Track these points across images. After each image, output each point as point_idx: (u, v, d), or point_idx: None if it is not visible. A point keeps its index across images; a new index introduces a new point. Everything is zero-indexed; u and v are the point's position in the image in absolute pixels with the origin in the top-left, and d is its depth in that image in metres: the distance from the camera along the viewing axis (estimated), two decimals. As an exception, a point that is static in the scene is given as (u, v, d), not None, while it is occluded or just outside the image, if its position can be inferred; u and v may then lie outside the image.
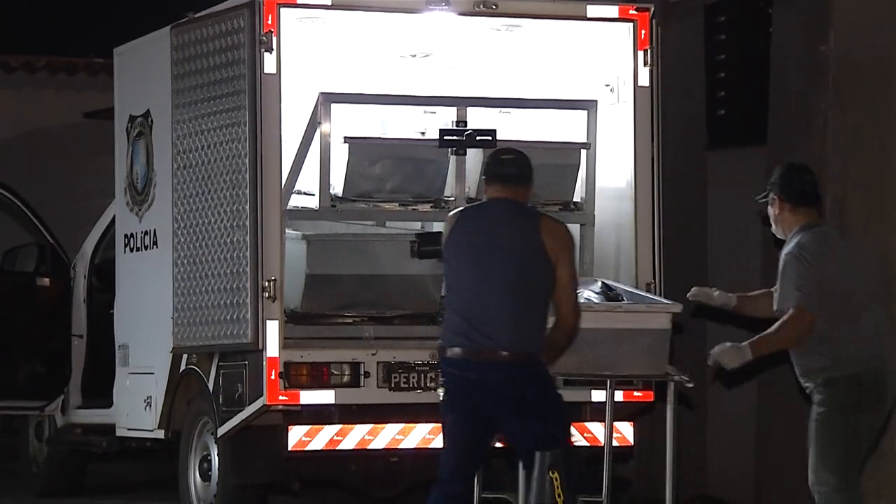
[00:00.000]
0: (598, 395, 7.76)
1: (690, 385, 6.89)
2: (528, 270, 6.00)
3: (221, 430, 7.76)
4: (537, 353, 6.03)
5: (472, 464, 6.12)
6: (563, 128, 8.22)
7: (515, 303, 5.95)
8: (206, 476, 8.27)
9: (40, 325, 9.46)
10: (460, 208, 6.80)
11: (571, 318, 6.01)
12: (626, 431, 8.04)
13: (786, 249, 6.42)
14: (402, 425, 7.55)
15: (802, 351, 6.45)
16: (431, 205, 8.03)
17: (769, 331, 6.57)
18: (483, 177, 6.37)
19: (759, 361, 7.48)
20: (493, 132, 7.75)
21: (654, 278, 8.10)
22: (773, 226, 6.67)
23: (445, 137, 7.80)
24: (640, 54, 7.91)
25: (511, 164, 6.25)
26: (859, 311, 6.48)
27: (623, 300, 7.14)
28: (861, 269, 6.92)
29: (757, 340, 6.54)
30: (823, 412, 6.46)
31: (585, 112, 7.99)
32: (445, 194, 7.99)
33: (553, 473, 5.89)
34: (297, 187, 8.18)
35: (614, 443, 7.89)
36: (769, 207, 6.65)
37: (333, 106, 7.64)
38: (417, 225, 8.29)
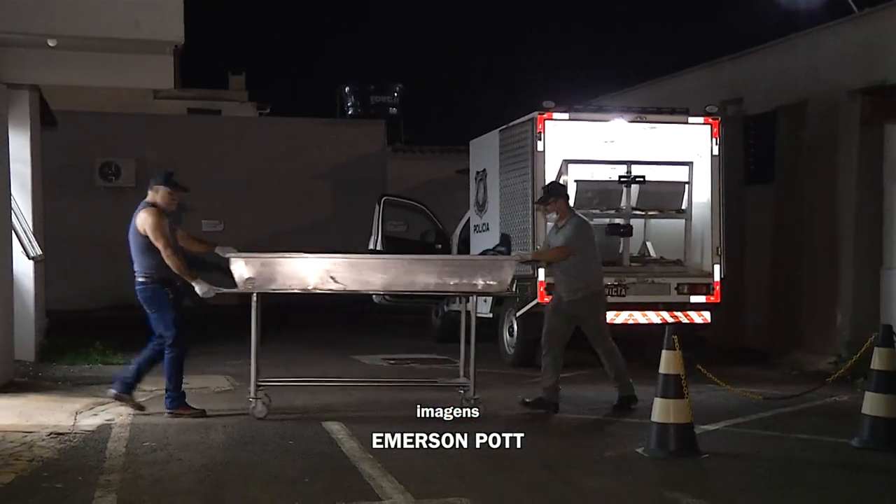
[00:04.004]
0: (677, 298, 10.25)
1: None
2: (134, 236, 7.56)
3: (518, 314, 10.84)
4: (145, 276, 7.49)
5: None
6: (677, 173, 11.08)
7: (133, 252, 7.55)
8: (511, 334, 11.23)
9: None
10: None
11: (169, 254, 7.39)
12: (706, 315, 10.63)
13: (571, 222, 8.05)
14: (602, 312, 8.67)
15: (570, 279, 8.16)
16: (613, 211, 10.99)
17: (543, 251, 8.34)
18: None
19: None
20: (643, 176, 10.78)
21: (719, 249, 10.74)
22: (554, 215, 8.26)
23: (621, 179, 10.80)
24: (714, 139, 10.93)
25: (151, 186, 7.65)
26: (597, 258, 8.33)
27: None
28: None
29: (535, 253, 8.60)
30: (577, 308, 8.04)
31: (687, 167, 11.00)
32: (620, 205, 10.88)
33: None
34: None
35: (700, 320, 10.43)
36: (546, 206, 8.20)
37: (570, 165, 10.60)
38: (606, 220, 10.97)
